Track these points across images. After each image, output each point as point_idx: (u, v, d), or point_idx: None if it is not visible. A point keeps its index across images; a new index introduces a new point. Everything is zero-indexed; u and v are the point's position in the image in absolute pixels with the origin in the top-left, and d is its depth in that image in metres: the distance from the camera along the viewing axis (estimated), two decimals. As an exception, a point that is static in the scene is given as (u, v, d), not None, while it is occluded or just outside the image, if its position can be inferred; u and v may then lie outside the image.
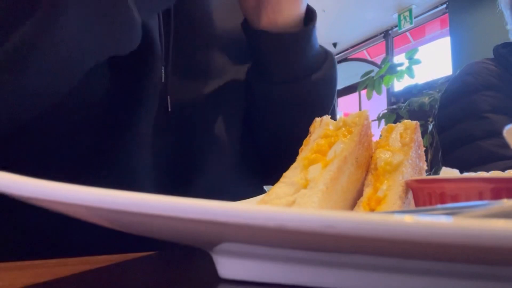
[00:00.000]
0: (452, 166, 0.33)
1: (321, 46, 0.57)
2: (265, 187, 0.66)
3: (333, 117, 0.39)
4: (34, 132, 0.42)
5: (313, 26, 0.52)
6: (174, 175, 0.49)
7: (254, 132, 0.60)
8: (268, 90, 0.54)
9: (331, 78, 0.56)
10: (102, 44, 0.36)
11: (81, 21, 0.33)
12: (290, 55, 0.51)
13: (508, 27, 1.09)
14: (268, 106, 0.55)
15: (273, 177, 0.68)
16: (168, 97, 0.49)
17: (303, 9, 0.52)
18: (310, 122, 0.59)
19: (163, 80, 0.49)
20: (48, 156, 0.43)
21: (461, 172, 0.33)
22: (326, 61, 0.55)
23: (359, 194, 0.34)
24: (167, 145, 0.49)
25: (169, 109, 0.49)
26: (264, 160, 0.62)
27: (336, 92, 0.58)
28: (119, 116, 0.45)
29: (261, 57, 0.53)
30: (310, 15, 0.53)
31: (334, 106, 0.65)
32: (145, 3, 0.38)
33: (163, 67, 0.48)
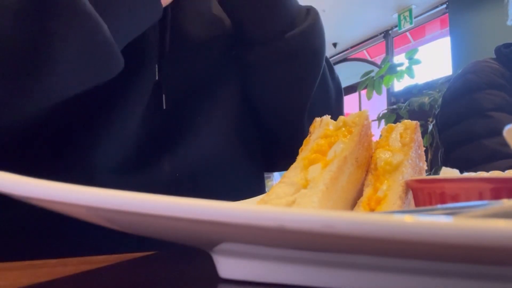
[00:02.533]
0: (455, 165, 0.33)
1: (304, 6, 0.57)
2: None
3: (341, 114, 0.38)
4: (25, 127, 0.42)
5: None
6: (166, 170, 0.49)
7: (256, 109, 0.58)
8: (252, 53, 0.54)
9: (317, 31, 0.55)
10: (82, 78, 0.38)
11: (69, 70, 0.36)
12: (263, 10, 0.52)
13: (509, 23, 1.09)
14: (258, 71, 0.55)
15: (273, 168, 0.67)
16: (164, 95, 0.49)
17: None
18: (308, 79, 0.58)
19: (156, 78, 0.48)
20: (36, 151, 0.43)
21: (464, 170, 0.33)
22: (308, 16, 0.55)
23: (359, 194, 0.34)
24: (160, 141, 0.49)
25: (164, 107, 0.49)
26: (266, 144, 0.61)
27: (325, 45, 0.57)
28: (107, 111, 0.45)
29: (238, 19, 0.53)
30: None
31: (341, 105, 0.64)
32: (122, 31, 0.40)
33: (156, 65, 0.48)
